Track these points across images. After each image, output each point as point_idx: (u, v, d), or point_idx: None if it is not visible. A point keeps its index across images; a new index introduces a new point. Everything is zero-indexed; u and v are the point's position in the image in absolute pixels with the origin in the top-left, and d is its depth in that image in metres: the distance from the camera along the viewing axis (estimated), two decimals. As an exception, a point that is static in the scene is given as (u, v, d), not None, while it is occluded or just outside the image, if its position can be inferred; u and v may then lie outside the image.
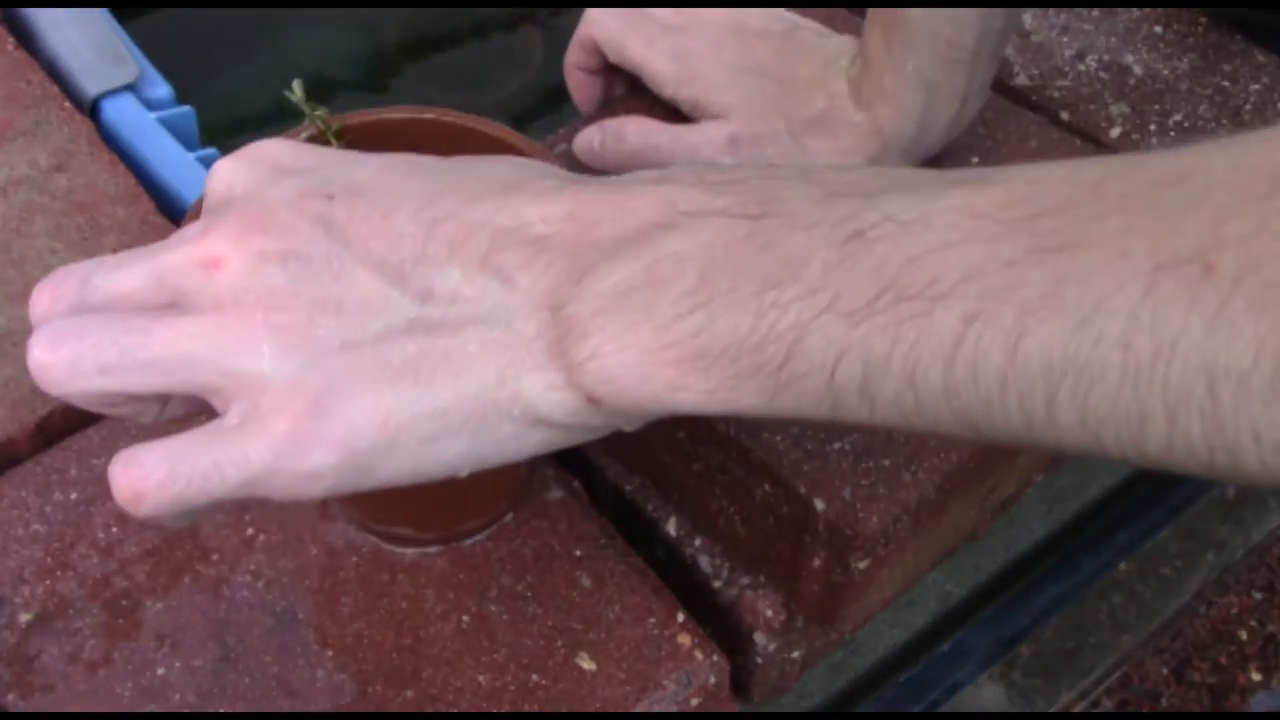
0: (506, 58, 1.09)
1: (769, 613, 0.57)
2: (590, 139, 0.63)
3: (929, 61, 0.56)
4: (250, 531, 0.55)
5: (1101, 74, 0.69)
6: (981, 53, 0.56)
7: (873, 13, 0.57)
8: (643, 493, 0.60)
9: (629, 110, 0.66)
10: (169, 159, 0.71)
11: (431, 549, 0.54)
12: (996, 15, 0.55)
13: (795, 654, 0.60)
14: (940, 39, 0.55)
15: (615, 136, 0.62)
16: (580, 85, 0.67)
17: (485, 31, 1.11)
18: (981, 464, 0.54)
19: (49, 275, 0.38)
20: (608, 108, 0.67)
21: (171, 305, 0.37)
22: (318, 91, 0.53)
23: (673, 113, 0.63)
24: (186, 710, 0.50)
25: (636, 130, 0.61)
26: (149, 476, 0.35)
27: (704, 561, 0.58)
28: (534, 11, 1.11)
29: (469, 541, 0.55)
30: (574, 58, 0.67)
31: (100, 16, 0.77)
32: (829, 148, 0.58)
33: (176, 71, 0.79)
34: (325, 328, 0.35)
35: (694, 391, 0.33)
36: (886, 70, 0.56)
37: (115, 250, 0.64)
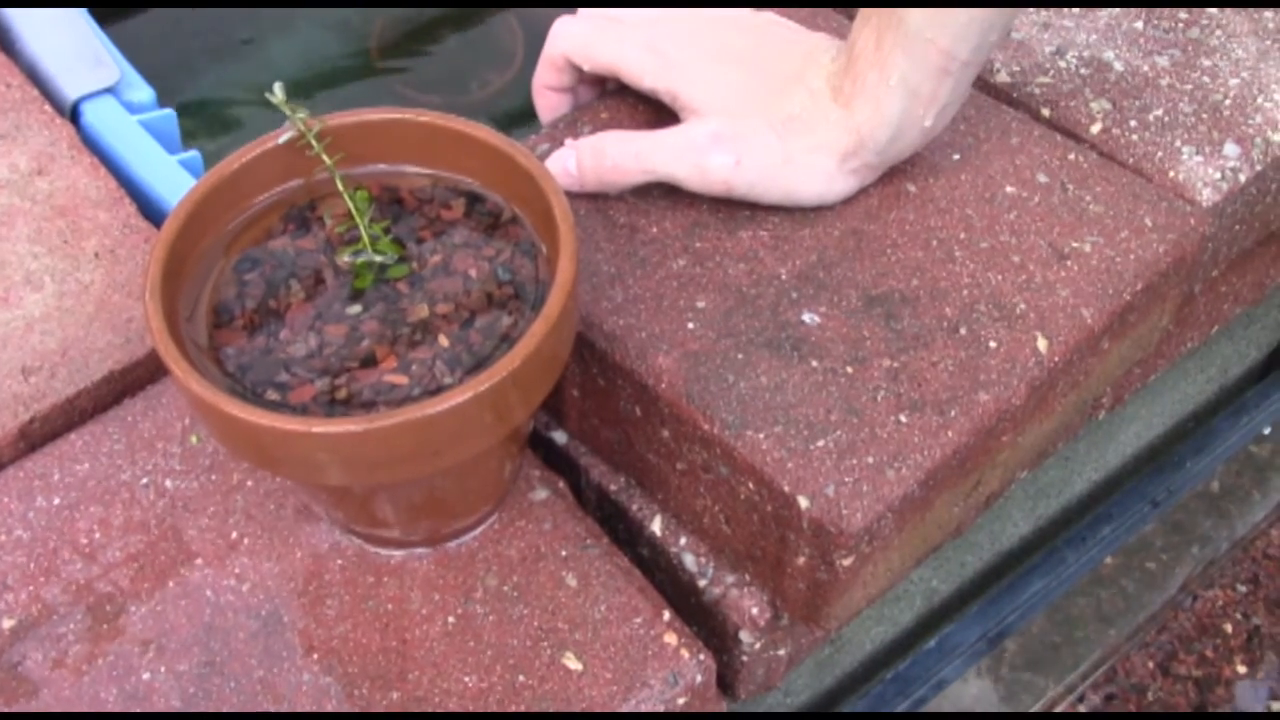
0: (488, 57, 1.09)
1: (754, 611, 0.57)
2: (563, 162, 0.61)
3: (917, 67, 0.55)
4: (234, 535, 0.55)
5: (1082, 70, 0.69)
6: (971, 64, 0.56)
7: (866, 11, 0.57)
8: (628, 492, 0.60)
9: (592, 118, 0.65)
10: (150, 162, 0.70)
11: (417, 550, 0.54)
12: (994, 28, 0.55)
13: (781, 651, 0.60)
14: (935, 46, 0.55)
15: (594, 151, 0.60)
16: (549, 106, 0.66)
17: (467, 31, 1.10)
18: (965, 460, 0.54)
19: None
20: (567, 125, 0.66)
21: None
22: (299, 93, 0.53)
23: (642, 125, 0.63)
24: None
25: (616, 141, 0.60)
26: None
27: (689, 560, 0.58)
28: (516, 10, 1.11)
29: (454, 543, 0.55)
30: (544, 78, 0.65)
31: (80, 19, 0.77)
32: (806, 144, 0.58)
33: (158, 74, 0.78)
34: None
35: None
36: (871, 69, 0.56)
37: (97, 255, 0.64)
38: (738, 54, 0.60)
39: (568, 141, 0.62)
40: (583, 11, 0.66)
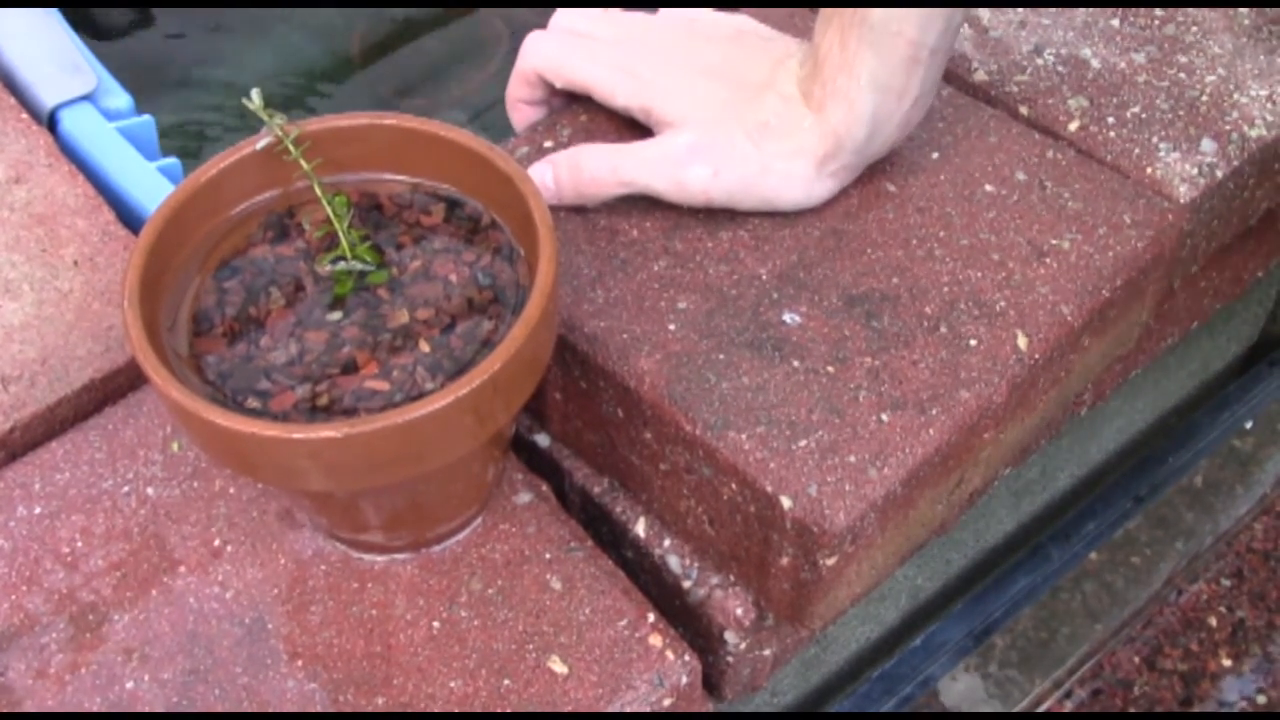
0: (471, 58, 1.09)
1: (739, 611, 0.57)
2: (541, 176, 0.61)
3: (885, 62, 0.55)
4: (218, 542, 0.55)
5: (1059, 68, 0.69)
6: (939, 50, 0.56)
7: (827, 12, 0.57)
8: (611, 494, 0.60)
9: (571, 120, 0.65)
10: (129, 169, 0.70)
11: (400, 555, 0.54)
12: (957, 12, 0.55)
13: (767, 652, 0.60)
14: (902, 38, 0.55)
15: (571, 166, 0.60)
16: (523, 118, 0.67)
17: (449, 32, 1.10)
18: (948, 458, 0.54)
19: None
20: (546, 128, 0.66)
21: None
22: (280, 98, 0.53)
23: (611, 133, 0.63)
24: (156, 724, 0.50)
25: (592, 155, 0.60)
26: None
27: (673, 562, 0.58)
28: (498, 10, 1.11)
29: (438, 547, 0.55)
30: (516, 92, 0.66)
31: (57, 26, 0.76)
32: (783, 149, 0.58)
33: (136, 80, 0.78)
34: None
35: None
36: (840, 72, 0.56)
37: (76, 263, 0.64)
38: (708, 64, 0.60)
39: (544, 158, 0.62)
40: (554, 22, 0.66)
